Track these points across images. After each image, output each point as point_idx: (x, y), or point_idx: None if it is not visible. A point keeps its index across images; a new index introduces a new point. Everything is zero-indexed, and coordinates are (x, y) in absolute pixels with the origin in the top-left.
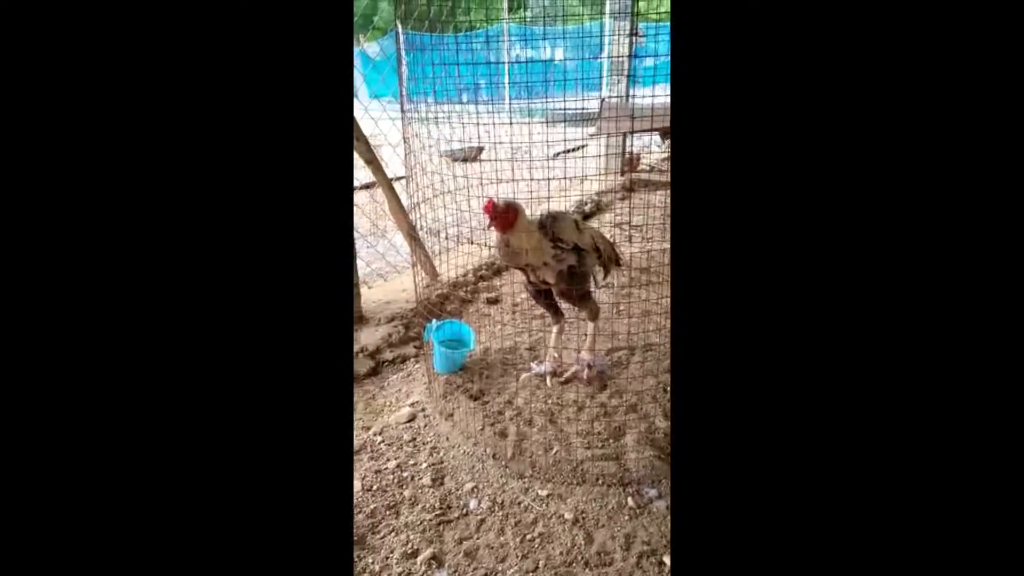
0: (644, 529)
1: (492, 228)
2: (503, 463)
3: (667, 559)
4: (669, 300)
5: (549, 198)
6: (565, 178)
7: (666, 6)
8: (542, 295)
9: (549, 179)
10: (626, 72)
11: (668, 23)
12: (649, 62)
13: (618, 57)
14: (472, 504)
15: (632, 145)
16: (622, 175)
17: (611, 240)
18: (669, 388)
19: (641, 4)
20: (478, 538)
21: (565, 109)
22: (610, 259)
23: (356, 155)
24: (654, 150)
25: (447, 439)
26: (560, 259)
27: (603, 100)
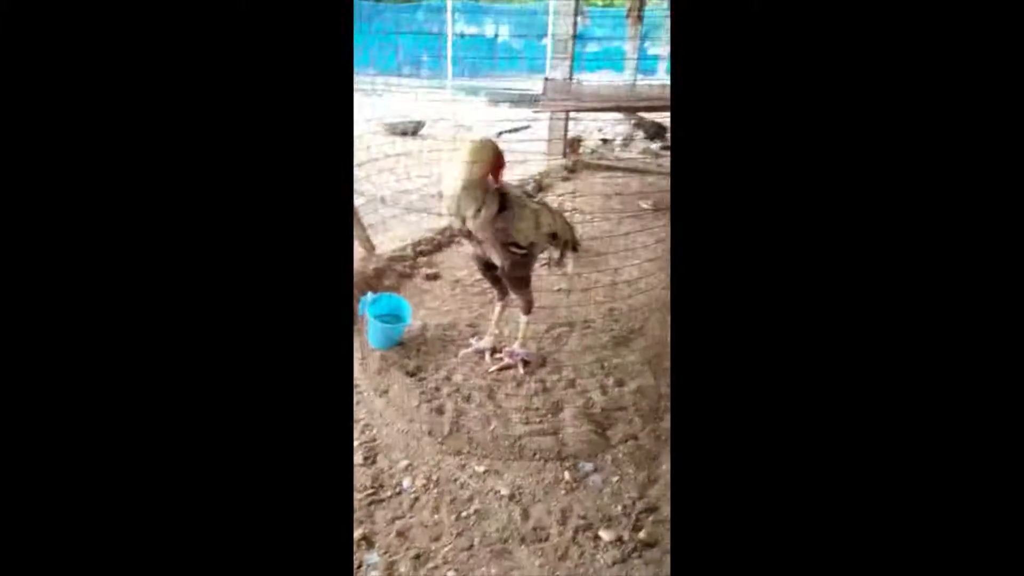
0: (580, 503)
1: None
2: (439, 440)
3: (603, 533)
4: (608, 278)
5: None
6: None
7: None
8: (488, 269)
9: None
10: (570, 53)
11: (614, 10)
12: (594, 47)
13: (562, 38)
14: (406, 483)
15: (572, 128)
16: (564, 156)
17: (571, 224)
18: (606, 364)
19: None
20: (411, 517)
21: (508, 89)
22: (567, 243)
23: None
24: (594, 133)
25: (381, 416)
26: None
27: (547, 79)
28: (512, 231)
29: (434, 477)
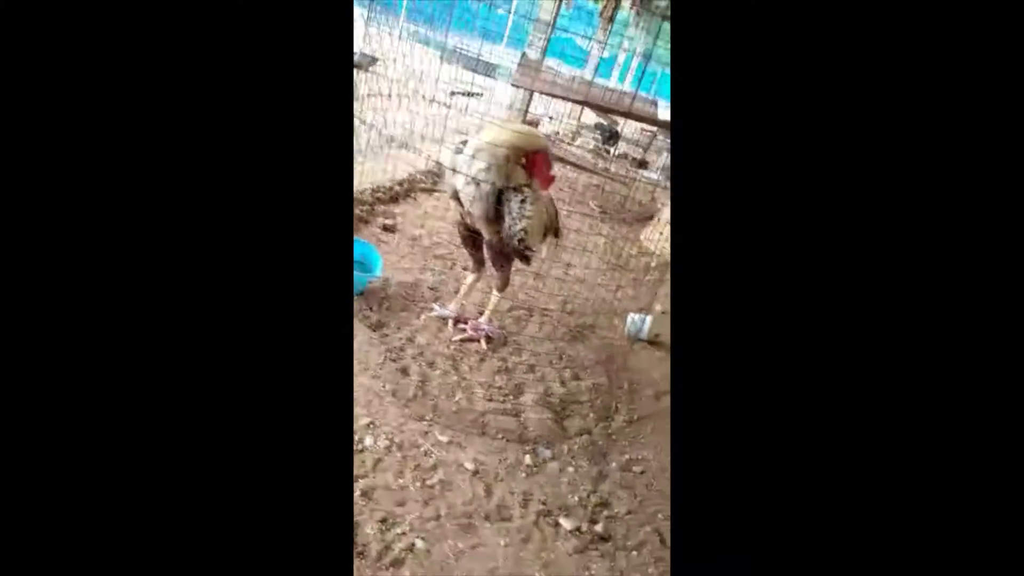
0: (540, 489)
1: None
2: (403, 402)
3: (563, 521)
4: (565, 266)
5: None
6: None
7: None
8: (471, 239)
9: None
10: (547, 35)
11: (591, 5)
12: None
13: (543, 18)
14: (368, 441)
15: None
16: None
17: (556, 210)
18: (564, 356)
19: None
20: (374, 477)
21: (464, 50)
22: (548, 227)
23: None
24: (545, 121)
25: None
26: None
27: (524, 54)
28: (524, 231)
29: (397, 440)
